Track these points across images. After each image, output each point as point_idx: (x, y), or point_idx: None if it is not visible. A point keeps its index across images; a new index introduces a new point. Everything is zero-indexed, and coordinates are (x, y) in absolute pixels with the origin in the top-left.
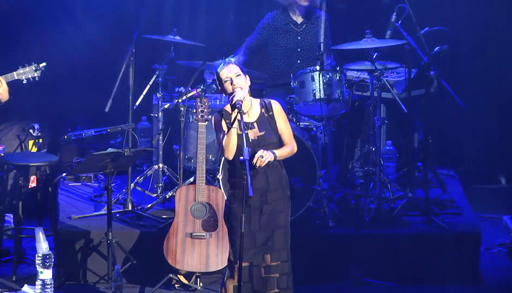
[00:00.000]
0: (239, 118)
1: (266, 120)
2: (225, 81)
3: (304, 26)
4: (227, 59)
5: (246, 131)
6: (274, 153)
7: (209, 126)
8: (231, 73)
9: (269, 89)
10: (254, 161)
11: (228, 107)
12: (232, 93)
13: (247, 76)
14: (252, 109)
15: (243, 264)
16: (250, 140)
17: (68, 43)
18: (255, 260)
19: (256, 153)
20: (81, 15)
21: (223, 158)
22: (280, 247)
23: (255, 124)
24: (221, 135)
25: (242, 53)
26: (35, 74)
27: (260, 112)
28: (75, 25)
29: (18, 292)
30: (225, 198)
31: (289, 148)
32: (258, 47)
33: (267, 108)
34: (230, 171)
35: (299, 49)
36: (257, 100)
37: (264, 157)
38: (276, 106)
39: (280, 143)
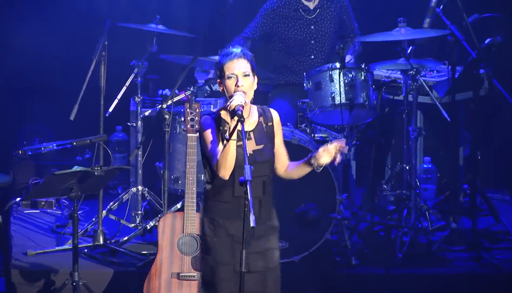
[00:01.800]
0: (240, 129)
1: (264, 132)
2: (228, 78)
3: (318, 12)
4: (237, 49)
5: (241, 141)
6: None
7: None
8: (239, 70)
9: (275, 91)
10: (335, 153)
11: (223, 113)
12: (231, 96)
13: (255, 77)
14: (250, 117)
15: None
16: (247, 155)
17: (24, 34)
18: None
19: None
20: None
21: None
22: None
23: (252, 135)
24: (209, 147)
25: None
26: None
27: (257, 121)
28: (33, 12)
29: None
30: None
31: None
32: (260, 40)
33: (266, 117)
34: (210, 192)
35: (312, 42)
36: (254, 107)
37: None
38: (276, 116)
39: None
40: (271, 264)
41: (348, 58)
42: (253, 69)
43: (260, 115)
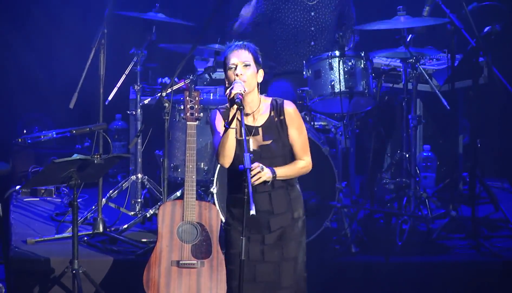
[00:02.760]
0: (239, 117)
1: (275, 126)
2: (229, 69)
3: None
4: (240, 41)
5: (247, 136)
6: (273, 172)
7: (200, 126)
8: (239, 60)
9: (274, 79)
10: (252, 174)
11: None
12: (230, 85)
13: (260, 70)
14: (260, 110)
15: None
16: (251, 150)
17: (23, 22)
18: None
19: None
20: None
21: (218, 166)
22: (289, 284)
23: (260, 130)
24: (214, 138)
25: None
26: None
27: (269, 115)
28: (31, 1)
29: None
30: (221, 216)
31: (301, 164)
32: (260, 26)
33: (277, 110)
34: (228, 185)
35: (312, 28)
36: (268, 100)
37: (260, 173)
38: (289, 108)
39: (291, 157)
40: (287, 255)
41: None
42: (256, 61)
43: (272, 109)
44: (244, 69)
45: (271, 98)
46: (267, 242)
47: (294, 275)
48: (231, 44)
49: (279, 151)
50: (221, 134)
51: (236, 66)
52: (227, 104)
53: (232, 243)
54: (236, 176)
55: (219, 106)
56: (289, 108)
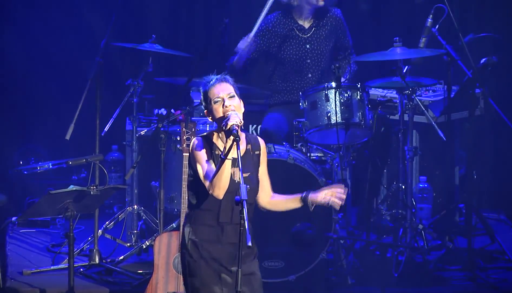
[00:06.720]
0: (236, 148)
1: (251, 160)
2: (215, 102)
3: (313, 31)
4: (218, 75)
5: (232, 167)
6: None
7: None
8: (224, 92)
9: (269, 110)
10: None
11: (215, 137)
12: (225, 117)
13: (241, 100)
14: (241, 143)
15: None
16: (236, 181)
17: (17, 48)
18: None
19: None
20: (36, 13)
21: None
22: None
23: (240, 162)
24: (203, 167)
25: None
26: None
27: (245, 148)
28: (29, 32)
29: None
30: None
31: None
32: (257, 61)
33: (253, 145)
34: (195, 216)
35: (308, 61)
36: (243, 134)
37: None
38: (263, 145)
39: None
40: (256, 286)
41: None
42: (236, 92)
43: (248, 142)
44: (231, 101)
45: (244, 132)
46: (234, 275)
47: None
48: (210, 79)
49: (255, 183)
50: (209, 164)
51: (223, 99)
52: (211, 134)
53: (201, 276)
54: (210, 206)
55: (200, 135)
56: (263, 145)
